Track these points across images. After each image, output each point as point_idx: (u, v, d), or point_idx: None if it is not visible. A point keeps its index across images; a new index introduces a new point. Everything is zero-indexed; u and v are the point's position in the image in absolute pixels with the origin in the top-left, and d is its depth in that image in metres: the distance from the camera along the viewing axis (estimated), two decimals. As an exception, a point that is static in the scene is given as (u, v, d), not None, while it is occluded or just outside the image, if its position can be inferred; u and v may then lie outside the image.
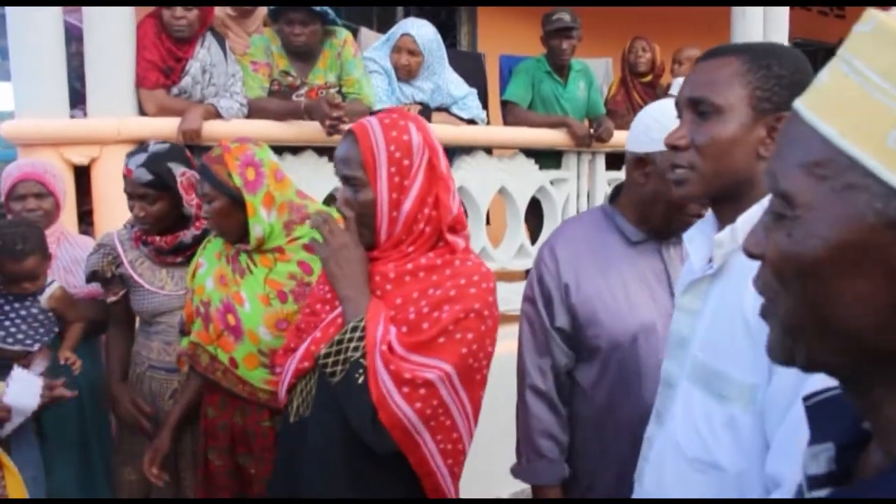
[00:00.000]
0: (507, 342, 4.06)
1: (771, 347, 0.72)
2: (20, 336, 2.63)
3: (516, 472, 2.22)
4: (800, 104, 0.69)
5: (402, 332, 1.73)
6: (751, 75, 1.34)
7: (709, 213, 1.49)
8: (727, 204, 1.38)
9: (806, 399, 0.78)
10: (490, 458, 3.53)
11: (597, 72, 5.42)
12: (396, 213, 1.75)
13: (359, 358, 1.68)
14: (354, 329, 1.71)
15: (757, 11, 5.02)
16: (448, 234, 1.80)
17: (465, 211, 4.24)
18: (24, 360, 2.57)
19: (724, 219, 1.39)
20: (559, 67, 4.70)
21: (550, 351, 2.08)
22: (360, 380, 1.67)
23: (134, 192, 2.56)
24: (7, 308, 2.66)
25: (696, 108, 1.38)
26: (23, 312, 2.66)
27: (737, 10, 5.04)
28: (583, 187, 4.58)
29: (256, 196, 2.32)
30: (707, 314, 1.36)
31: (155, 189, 2.55)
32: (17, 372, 2.14)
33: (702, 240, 1.45)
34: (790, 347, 0.69)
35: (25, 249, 2.61)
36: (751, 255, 0.72)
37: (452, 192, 1.82)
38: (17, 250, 2.60)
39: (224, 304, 2.37)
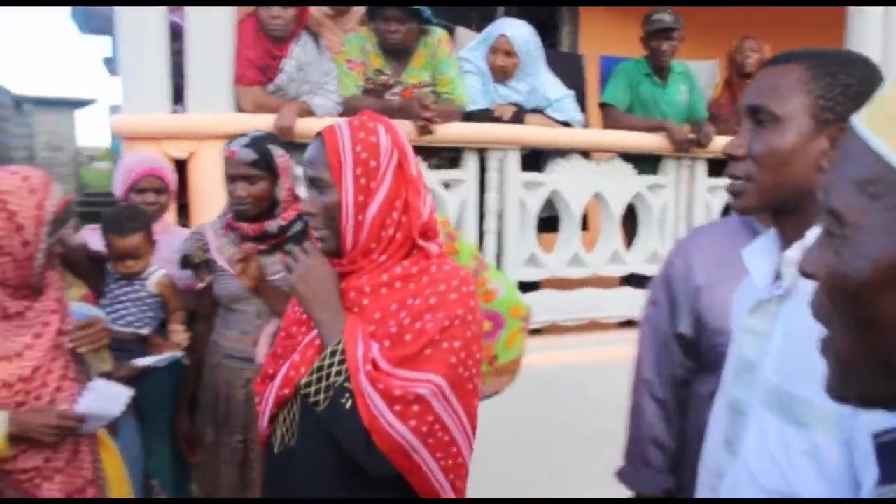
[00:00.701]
0: (602, 348, 4.01)
1: (827, 382, 0.66)
2: (130, 318, 2.76)
3: (621, 475, 2.18)
4: (857, 118, 0.64)
5: (385, 346, 1.66)
6: (814, 83, 1.26)
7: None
8: (788, 218, 1.30)
9: (877, 436, 0.71)
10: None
11: (701, 74, 5.25)
12: (362, 217, 1.67)
13: (342, 382, 1.61)
14: (333, 353, 1.63)
15: (876, 11, 4.75)
16: (420, 240, 1.72)
17: (559, 215, 4.18)
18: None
19: (787, 234, 1.31)
20: (659, 69, 4.57)
21: (668, 359, 2.03)
22: (348, 405, 1.60)
23: (237, 173, 2.62)
24: (118, 292, 2.79)
25: (755, 116, 1.31)
26: (132, 296, 2.79)
27: (853, 10, 4.78)
28: (681, 194, 4.42)
29: None
30: (777, 336, 1.27)
31: (258, 168, 2.62)
32: (97, 382, 2.20)
33: (764, 256, 1.35)
34: (845, 382, 0.63)
35: (131, 226, 2.74)
36: (805, 275, 0.66)
37: (423, 197, 1.74)
38: (122, 225, 2.74)
39: None
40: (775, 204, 1.32)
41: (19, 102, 17.14)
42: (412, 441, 1.61)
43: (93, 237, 2.89)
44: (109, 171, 20.28)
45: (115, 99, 19.56)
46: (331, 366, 1.63)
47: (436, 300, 1.67)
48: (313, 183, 1.72)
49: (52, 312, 2.19)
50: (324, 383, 1.62)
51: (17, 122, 16.80)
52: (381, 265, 1.71)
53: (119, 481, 2.32)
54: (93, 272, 2.80)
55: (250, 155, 2.61)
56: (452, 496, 1.73)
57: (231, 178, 2.64)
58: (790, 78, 1.28)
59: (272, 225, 2.67)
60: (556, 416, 3.94)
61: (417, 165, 1.78)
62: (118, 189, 3.10)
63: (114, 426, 2.43)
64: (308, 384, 1.64)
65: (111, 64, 10.96)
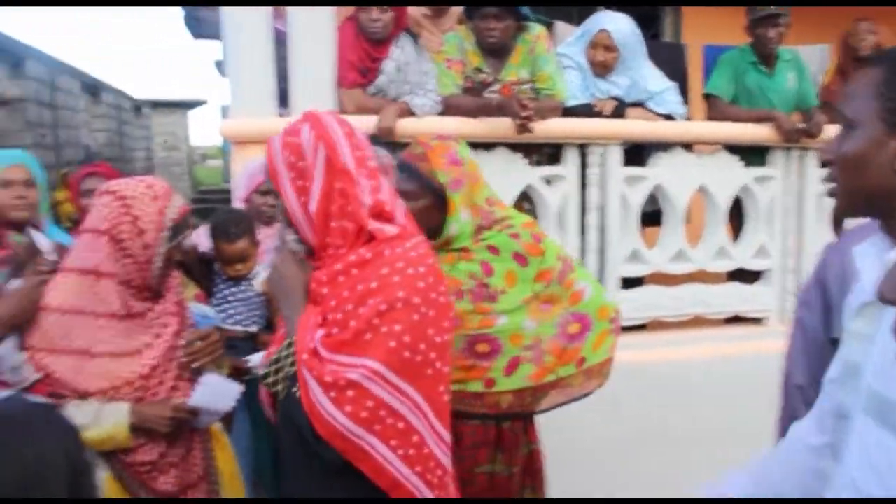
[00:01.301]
0: (708, 345, 3.92)
1: None
2: (239, 317, 2.89)
3: None
4: None
5: (332, 333, 1.66)
6: (884, 86, 1.22)
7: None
8: (890, 221, 1.26)
9: None
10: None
11: (811, 60, 5.04)
12: (309, 216, 1.72)
13: (295, 372, 1.66)
14: (290, 345, 1.69)
15: None
16: (376, 222, 1.72)
17: (660, 210, 4.10)
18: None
19: (894, 235, 1.26)
20: (765, 57, 4.41)
21: (822, 364, 1.94)
22: (298, 393, 1.63)
23: None
24: (227, 292, 2.92)
25: (840, 120, 1.31)
26: (240, 296, 2.91)
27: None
28: (791, 186, 4.27)
29: (459, 194, 2.35)
30: (880, 340, 1.22)
31: None
32: (209, 377, 2.29)
33: (875, 257, 1.30)
34: None
35: (237, 232, 2.87)
36: (884, 301, 0.64)
37: (360, 183, 1.72)
38: (230, 232, 2.87)
39: None
40: (859, 208, 1.31)
41: (139, 106, 17.92)
42: (350, 426, 1.59)
43: (203, 238, 3.02)
44: (221, 168, 21.04)
45: (225, 99, 20.25)
46: (287, 357, 1.69)
47: (377, 284, 1.65)
48: (271, 193, 1.77)
49: (172, 315, 2.30)
50: (280, 374, 1.69)
51: (137, 124, 17.58)
52: (343, 256, 1.72)
53: (231, 477, 2.42)
54: (204, 273, 2.92)
55: None
56: (424, 489, 1.67)
57: None
58: (866, 81, 1.26)
59: None
60: (661, 413, 3.89)
61: (358, 151, 1.76)
62: (241, 190, 3.22)
63: (228, 422, 2.54)
64: (266, 375, 1.71)
65: (222, 66, 11.35)
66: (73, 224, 3.23)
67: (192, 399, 2.25)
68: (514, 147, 3.76)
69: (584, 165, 3.88)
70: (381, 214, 1.75)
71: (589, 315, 2.46)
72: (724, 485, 1.67)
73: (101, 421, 2.16)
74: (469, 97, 3.75)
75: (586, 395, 2.52)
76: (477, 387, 2.39)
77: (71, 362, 2.18)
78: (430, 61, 3.74)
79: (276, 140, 1.76)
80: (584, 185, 3.89)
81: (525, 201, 3.89)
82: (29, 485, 1.06)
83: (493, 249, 2.37)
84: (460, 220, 2.35)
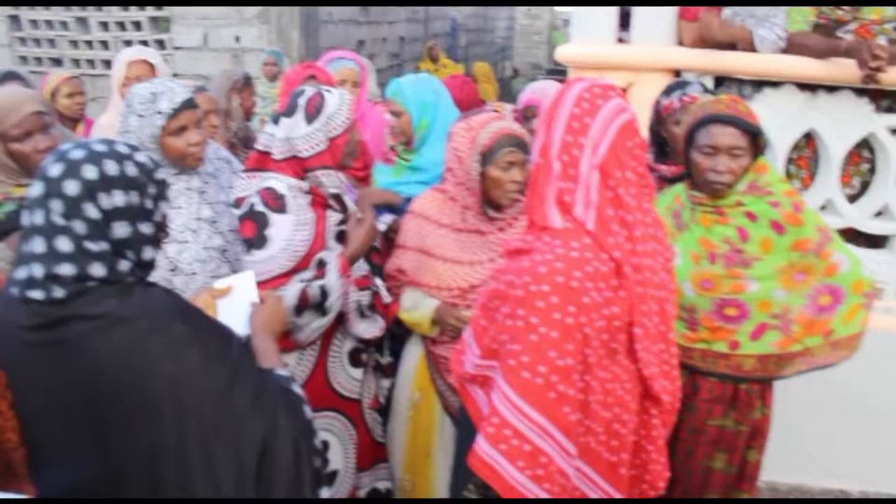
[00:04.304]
0: None
1: None
2: None
3: None
4: None
5: (487, 331, 1.90)
6: None
7: None
8: None
9: None
10: None
11: None
12: None
13: None
14: None
15: None
16: (556, 209, 1.77)
17: None
18: None
19: None
20: None
21: None
22: None
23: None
24: None
25: None
26: None
27: None
28: None
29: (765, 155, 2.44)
30: None
31: None
32: None
33: None
34: None
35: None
36: None
37: (553, 167, 1.77)
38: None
39: None
40: None
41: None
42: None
43: None
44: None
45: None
46: None
47: (509, 290, 1.78)
48: None
49: None
50: None
51: (502, -7, 18.18)
52: (525, 231, 1.93)
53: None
54: None
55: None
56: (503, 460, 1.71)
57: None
58: None
59: (662, 170, 2.86)
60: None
61: (570, 136, 1.77)
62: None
63: None
64: None
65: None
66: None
67: None
68: (861, 90, 3.54)
69: (942, 118, 3.55)
70: (559, 202, 1.78)
71: (842, 288, 2.46)
72: None
73: (417, 308, 2.65)
74: (817, 36, 3.53)
75: (830, 365, 2.53)
76: (721, 347, 2.49)
77: (414, 257, 2.67)
78: (782, -7, 3.58)
79: None
80: (935, 141, 3.57)
81: (864, 148, 3.67)
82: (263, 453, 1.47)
83: (750, 216, 2.42)
84: (744, 180, 2.43)
